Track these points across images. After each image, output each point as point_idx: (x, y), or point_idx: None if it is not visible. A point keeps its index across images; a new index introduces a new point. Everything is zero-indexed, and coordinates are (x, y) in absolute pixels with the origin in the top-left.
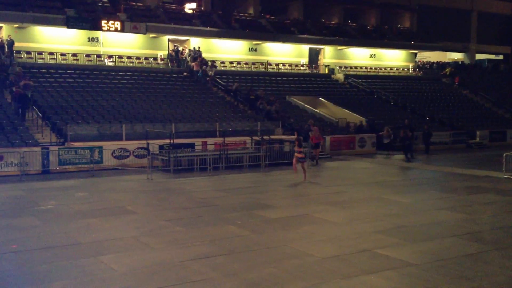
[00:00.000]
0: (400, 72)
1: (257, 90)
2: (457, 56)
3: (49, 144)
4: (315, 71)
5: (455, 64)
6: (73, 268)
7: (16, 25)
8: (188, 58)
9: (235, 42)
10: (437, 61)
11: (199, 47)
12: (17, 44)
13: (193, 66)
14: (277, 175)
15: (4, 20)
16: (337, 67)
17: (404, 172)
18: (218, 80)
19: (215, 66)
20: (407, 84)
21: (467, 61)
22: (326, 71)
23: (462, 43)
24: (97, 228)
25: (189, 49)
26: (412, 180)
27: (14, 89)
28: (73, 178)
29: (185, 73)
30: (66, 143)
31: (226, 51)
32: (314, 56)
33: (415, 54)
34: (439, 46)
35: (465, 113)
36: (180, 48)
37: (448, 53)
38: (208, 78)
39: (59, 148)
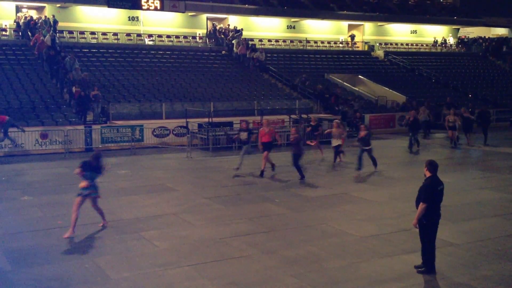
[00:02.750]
0: (443, 49)
1: (334, 88)
2: (501, 31)
3: (92, 122)
4: (354, 48)
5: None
6: (117, 244)
7: (58, 5)
8: (236, 46)
9: (273, 20)
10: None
11: (235, 27)
12: (59, 24)
13: (238, 51)
14: (315, 154)
15: None
16: (377, 44)
17: (445, 151)
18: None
19: (263, 50)
20: (449, 60)
21: (511, 36)
22: (366, 48)
23: (506, 18)
24: (139, 205)
25: (233, 33)
26: (454, 159)
27: (74, 89)
28: (115, 156)
29: (223, 52)
30: (108, 122)
31: (264, 28)
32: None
33: (457, 29)
34: (482, 22)
35: (510, 91)
36: (222, 25)
37: (492, 28)
38: (257, 63)
39: (101, 127)
